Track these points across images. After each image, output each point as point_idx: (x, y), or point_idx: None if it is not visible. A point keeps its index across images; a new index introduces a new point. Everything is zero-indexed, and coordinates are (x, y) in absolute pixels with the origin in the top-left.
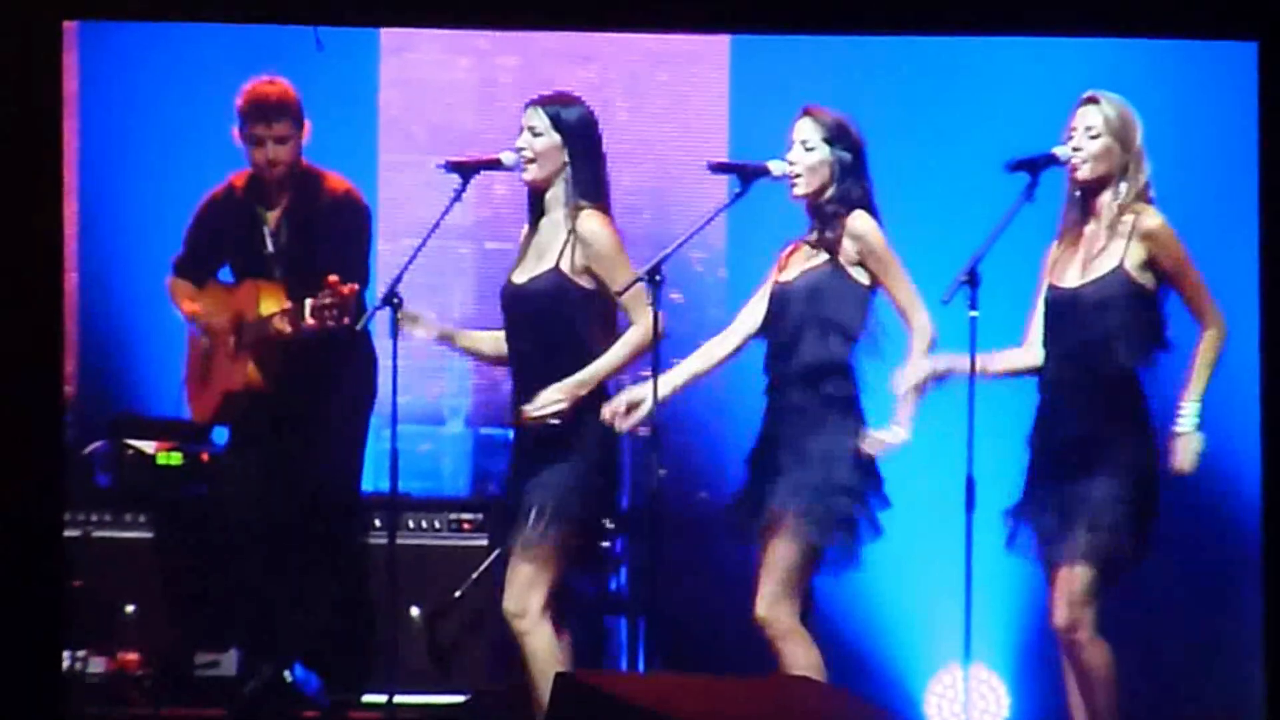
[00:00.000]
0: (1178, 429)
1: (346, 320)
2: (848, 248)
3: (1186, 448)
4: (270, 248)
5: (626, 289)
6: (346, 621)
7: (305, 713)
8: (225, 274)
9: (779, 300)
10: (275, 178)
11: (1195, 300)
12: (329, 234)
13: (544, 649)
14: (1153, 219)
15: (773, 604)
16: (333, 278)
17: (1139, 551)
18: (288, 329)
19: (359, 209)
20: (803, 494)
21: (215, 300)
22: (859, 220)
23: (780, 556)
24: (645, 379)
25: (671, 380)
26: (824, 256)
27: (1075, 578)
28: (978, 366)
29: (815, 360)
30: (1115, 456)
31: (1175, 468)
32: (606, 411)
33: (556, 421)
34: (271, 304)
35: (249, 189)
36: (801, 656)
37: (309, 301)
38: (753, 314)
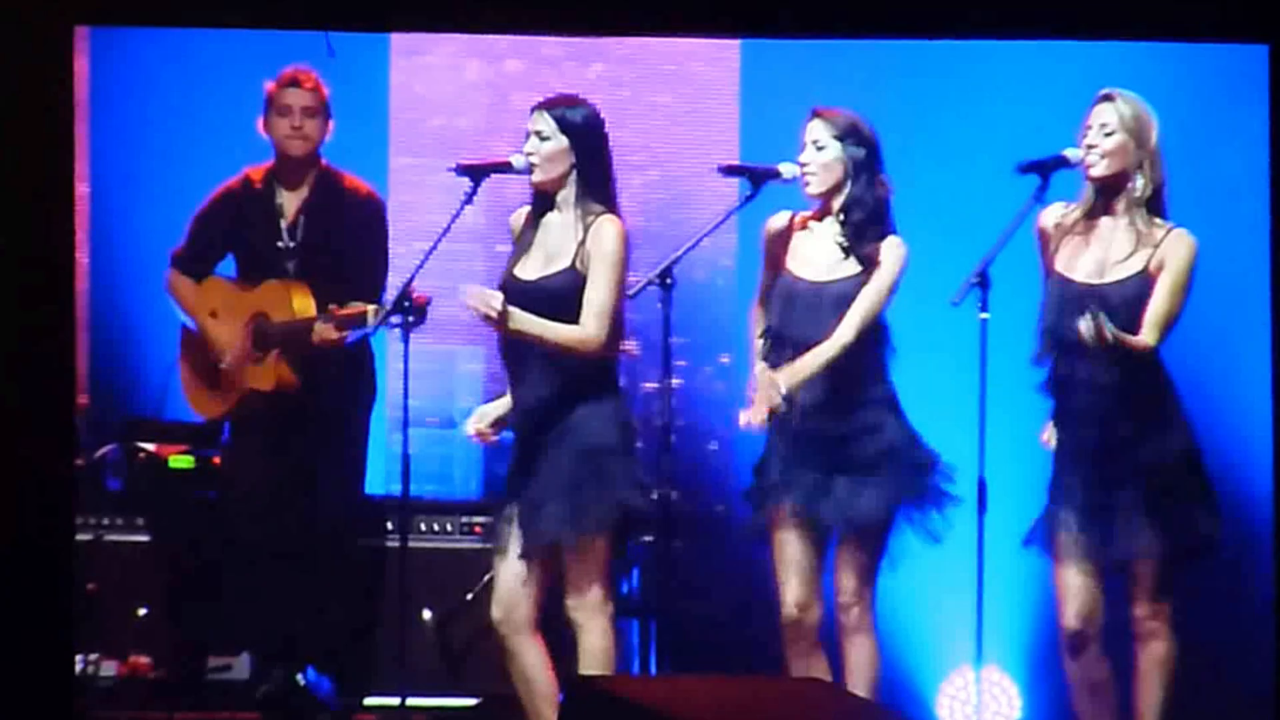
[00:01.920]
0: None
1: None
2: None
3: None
4: (287, 240)
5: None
6: (358, 625)
7: (318, 716)
8: (226, 269)
9: (804, 298)
10: (296, 154)
11: (1154, 320)
12: (349, 233)
13: (534, 660)
14: (1185, 244)
15: (854, 596)
16: (413, 288)
17: (1214, 533)
18: (333, 335)
19: (378, 210)
20: (867, 488)
21: (223, 297)
22: (897, 249)
23: (852, 551)
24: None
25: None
26: (855, 268)
27: (1148, 572)
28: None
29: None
30: (1158, 446)
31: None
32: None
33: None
34: (305, 306)
35: (267, 181)
36: (869, 653)
37: (371, 309)
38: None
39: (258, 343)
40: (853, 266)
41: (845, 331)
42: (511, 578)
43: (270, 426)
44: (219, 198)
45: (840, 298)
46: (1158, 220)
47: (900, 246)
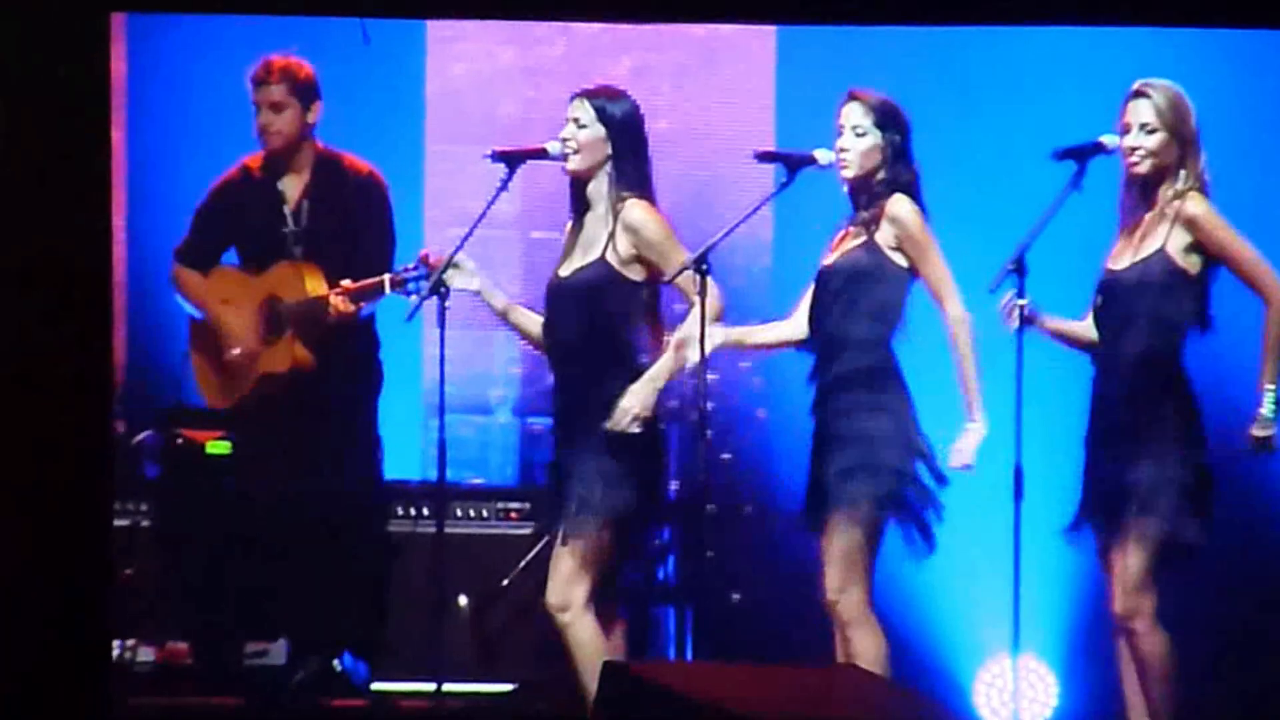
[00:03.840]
0: (1262, 413)
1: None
2: (885, 230)
3: (1264, 431)
4: (291, 225)
5: (674, 277)
6: (393, 610)
7: (353, 701)
8: (229, 258)
9: (821, 282)
10: (273, 149)
11: (1252, 277)
12: (352, 213)
13: (588, 640)
14: (1196, 205)
15: (840, 589)
16: (424, 251)
17: (1197, 538)
18: (349, 308)
19: (380, 189)
20: (856, 477)
21: (233, 284)
22: (897, 204)
23: (839, 542)
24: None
25: (758, 334)
26: (862, 237)
27: (1130, 565)
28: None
29: (856, 340)
30: (1163, 439)
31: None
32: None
33: (639, 429)
34: (318, 285)
35: (266, 168)
36: (869, 644)
37: (388, 276)
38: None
39: (271, 325)
40: (860, 237)
41: (955, 307)
42: (568, 560)
43: (285, 411)
44: (218, 189)
45: (845, 271)
46: (1172, 203)
47: (904, 202)
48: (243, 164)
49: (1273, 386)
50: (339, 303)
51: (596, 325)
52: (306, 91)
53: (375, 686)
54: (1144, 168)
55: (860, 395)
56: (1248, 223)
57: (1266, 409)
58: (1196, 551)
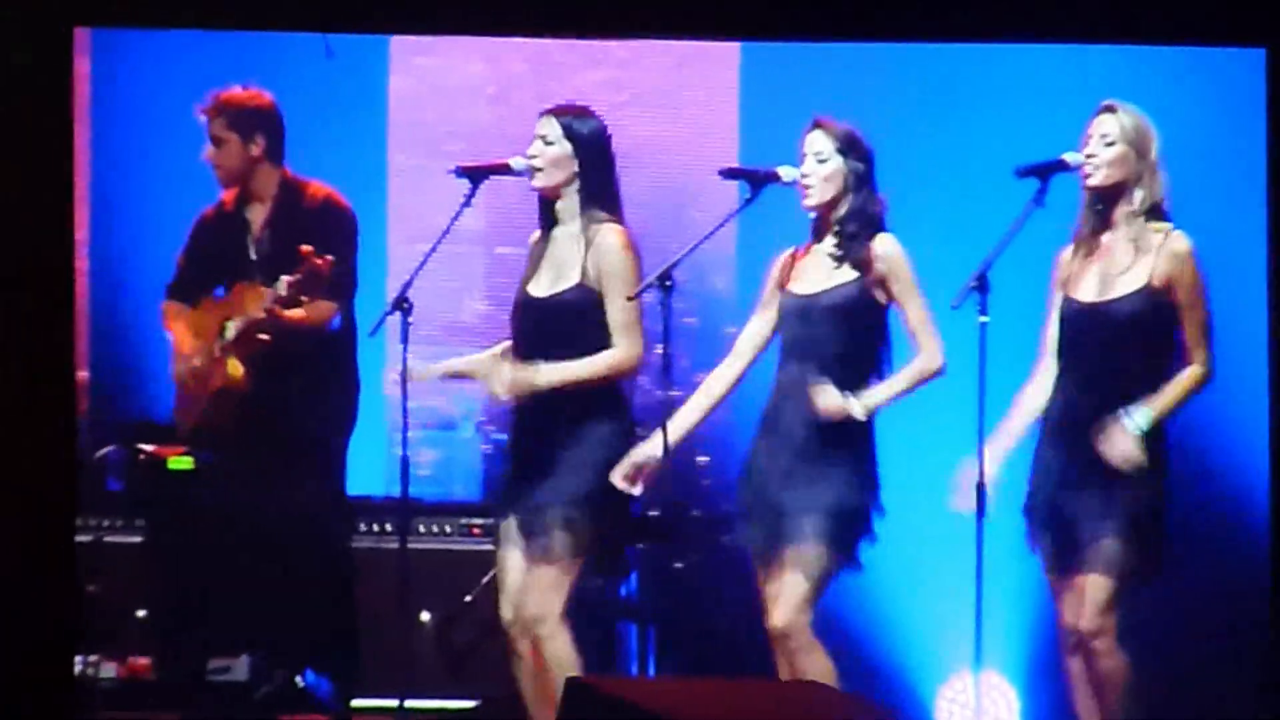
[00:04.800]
0: (1124, 421)
1: (323, 295)
2: (876, 268)
3: (1124, 443)
4: (253, 255)
5: (638, 294)
6: (357, 627)
7: (317, 717)
8: (220, 293)
9: (800, 313)
10: (221, 180)
11: (1193, 336)
12: (311, 240)
13: (564, 654)
14: (1182, 244)
15: (794, 617)
16: (306, 247)
17: (1154, 565)
18: (261, 314)
19: (342, 214)
20: (817, 510)
21: (207, 314)
22: (890, 244)
23: (798, 571)
24: (644, 437)
25: (683, 424)
26: (853, 274)
27: (1099, 585)
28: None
29: (842, 376)
30: (1135, 489)
31: (1105, 453)
32: (617, 478)
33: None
34: (255, 303)
35: (237, 199)
36: (820, 667)
37: (284, 279)
38: (757, 334)
39: (221, 346)
40: (847, 274)
41: (931, 346)
42: (542, 573)
43: (248, 427)
44: (198, 225)
45: (833, 306)
46: (1154, 224)
47: (894, 242)
48: (220, 199)
49: (1150, 412)
50: (253, 309)
51: (575, 346)
52: (247, 123)
53: (341, 704)
54: (1098, 178)
55: (828, 429)
56: (1210, 242)
57: (1131, 423)
58: (1151, 579)
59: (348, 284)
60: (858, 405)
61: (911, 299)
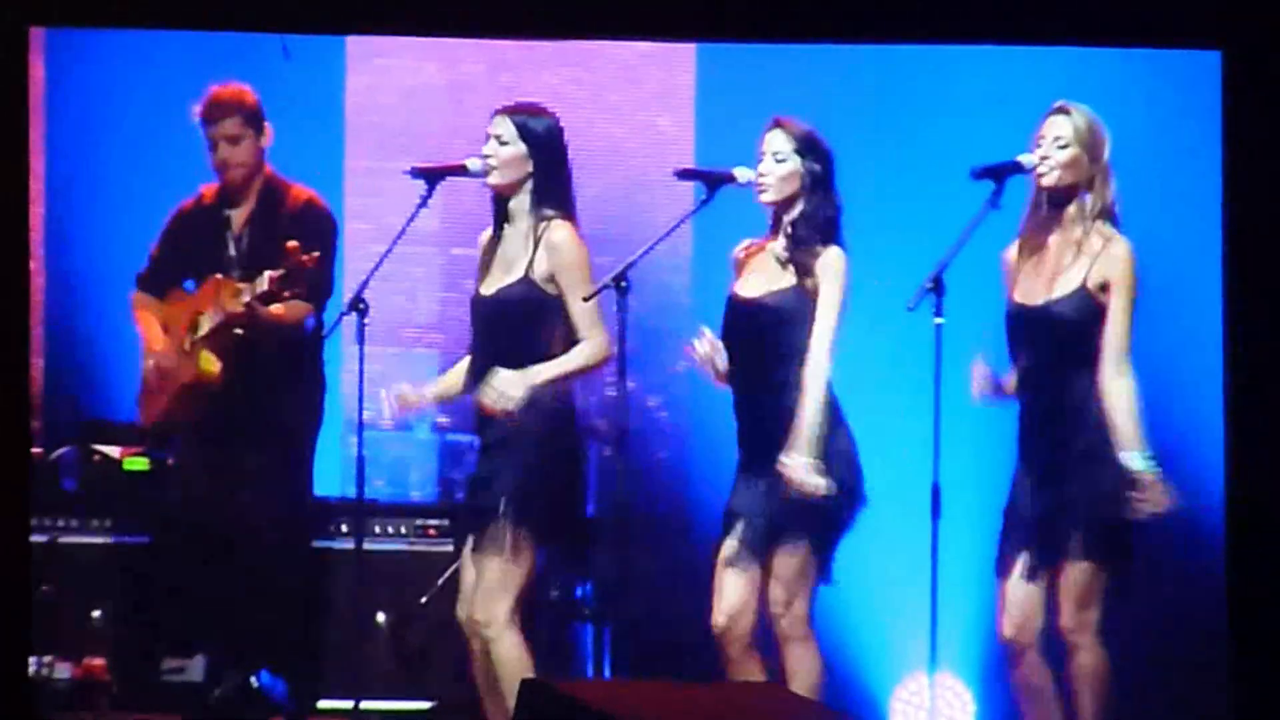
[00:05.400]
0: (1139, 476)
1: (304, 293)
2: (814, 279)
3: (1155, 489)
4: (232, 251)
5: (593, 295)
6: (313, 628)
7: (271, 718)
8: (190, 286)
9: (745, 316)
10: (233, 181)
11: (1113, 343)
12: (291, 239)
13: (512, 656)
14: (1120, 248)
15: (785, 604)
16: (291, 244)
17: (1121, 568)
18: (239, 308)
19: (323, 218)
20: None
21: (176, 308)
22: (839, 260)
23: (787, 559)
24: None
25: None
26: (792, 279)
27: (1078, 581)
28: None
29: (785, 378)
30: (1088, 469)
31: (1148, 511)
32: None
33: (509, 419)
34: (232, 297)
35: (219, 195)
36: (807, 662)
37: (267, 274)
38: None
39: (194, 339)
40: (789, 279)
41: (819, 364)
42: (490, 573)
43: (209, 426)
44: (175, 218)
45: (776, 311)
46: (1099, 227)
47: (842, 259)
48: (199, 193)
49: (1139, 451)
50: (231, 303)
51: (520, 341)
52: (254, 116)
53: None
54: (1050, 179)
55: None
56: (1164, 244)
57: (1145, 473)
58: (1124, 577)
59: (325, 286)
60: (823, 481)
61: (829, 313)
